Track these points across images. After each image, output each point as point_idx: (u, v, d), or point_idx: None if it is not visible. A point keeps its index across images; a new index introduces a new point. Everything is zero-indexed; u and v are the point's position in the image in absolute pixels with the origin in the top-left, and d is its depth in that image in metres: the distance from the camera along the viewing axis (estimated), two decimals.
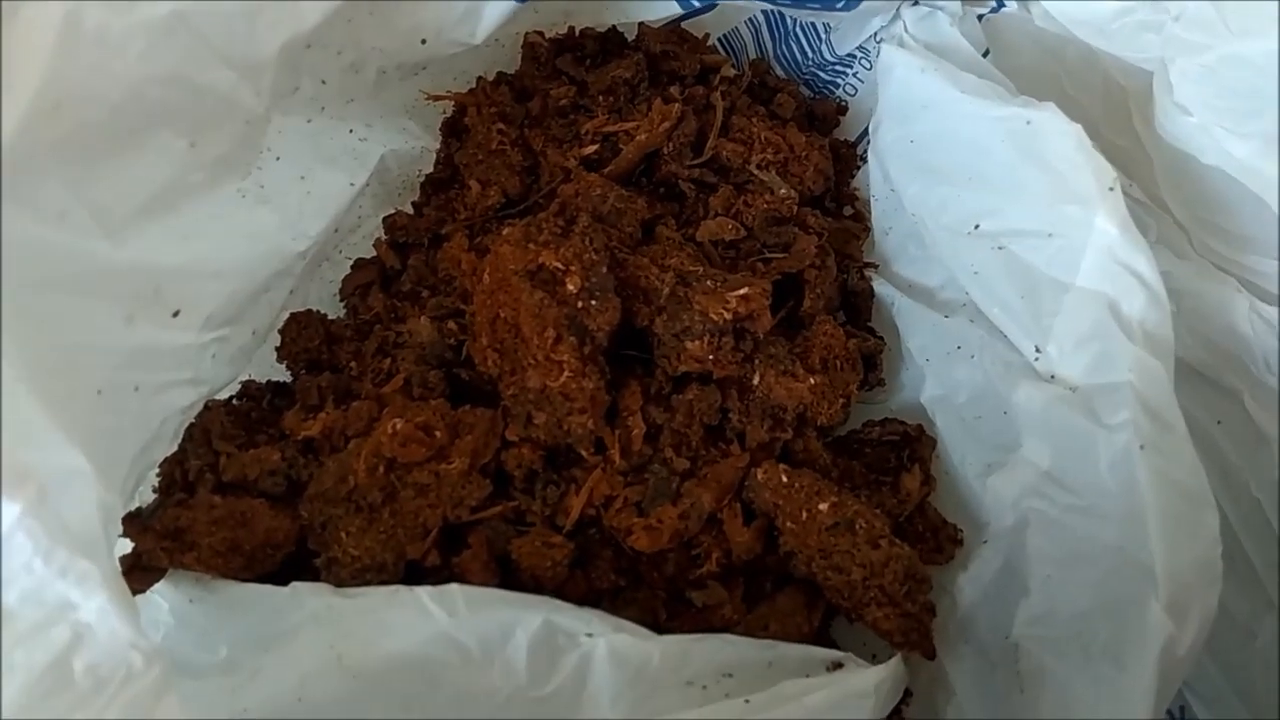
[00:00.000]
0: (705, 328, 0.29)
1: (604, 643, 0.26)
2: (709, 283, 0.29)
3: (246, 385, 0.33)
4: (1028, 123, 0.29)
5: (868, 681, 0.27)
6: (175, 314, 0.28)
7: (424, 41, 0.34)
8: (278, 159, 0.33)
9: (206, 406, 0.30)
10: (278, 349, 0.34)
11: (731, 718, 0.25)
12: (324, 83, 0.34)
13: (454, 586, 0.25)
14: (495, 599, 0.25)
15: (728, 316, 0.29)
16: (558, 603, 0.26)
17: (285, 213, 0.33)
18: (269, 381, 0.34)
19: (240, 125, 0.30)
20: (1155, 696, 0.24)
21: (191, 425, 0.30)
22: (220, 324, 0.30)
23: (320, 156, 0.35)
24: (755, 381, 0.30)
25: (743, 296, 0.29)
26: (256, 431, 0.31)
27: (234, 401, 0.32)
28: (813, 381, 0.30)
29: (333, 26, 0.30)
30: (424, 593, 0.25)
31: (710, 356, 0.29)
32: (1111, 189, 0.28)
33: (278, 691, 0.24)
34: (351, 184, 0.37)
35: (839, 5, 0.35)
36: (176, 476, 0.29)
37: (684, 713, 0.25)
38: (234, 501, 0.28)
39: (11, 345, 0.22)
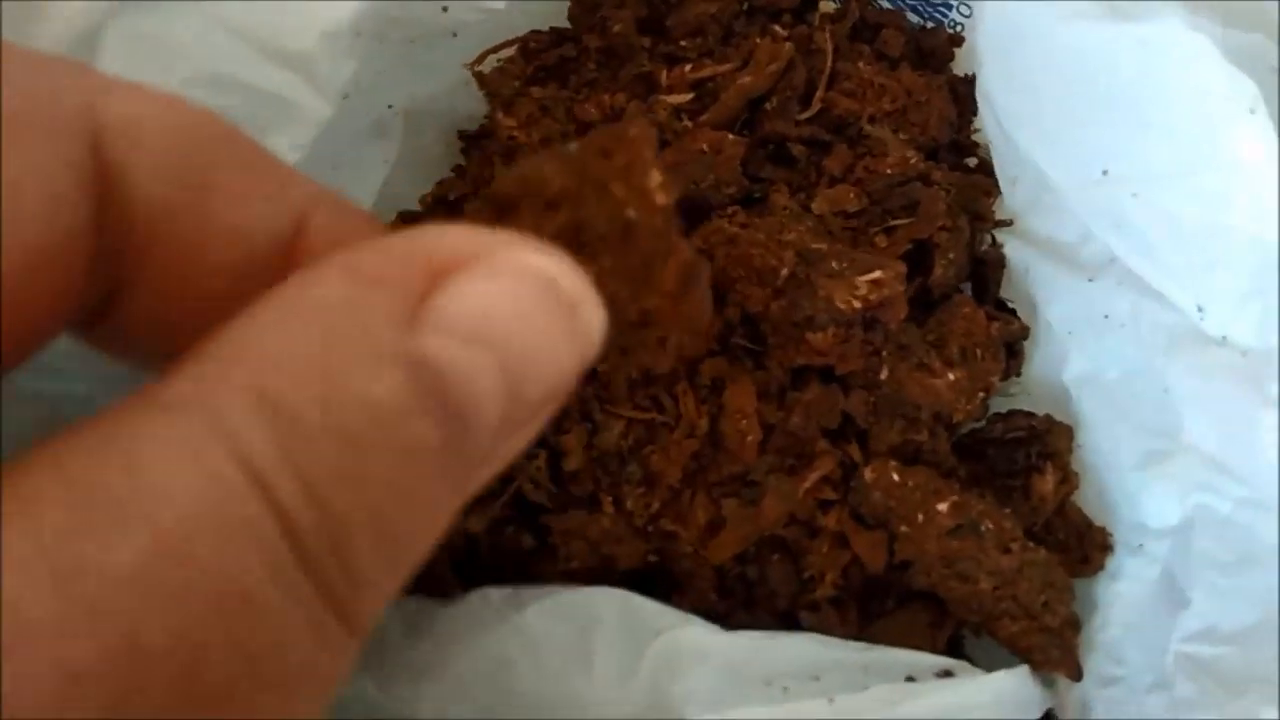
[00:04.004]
0: (831, 317, 0.30)
1: (673, 637, 0.27)
2: (834, 264, 0.30)
3: None
4: (1141, 42, 0.29)
5: (983, 692, 0.27)
6: None
7: (445, 9, 0.36)
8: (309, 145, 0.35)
9: None
10: None
11: (812, 718, 0.26)
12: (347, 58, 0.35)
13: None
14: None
15: (857, 305, 0.29)
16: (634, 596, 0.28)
17: None
18: None
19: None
20: None
21: None
22: None
23: (353, 139, 0.36)
24: (883, 376, 0.31)
25: (875, 281, 0.29)
26: None
27: None
28: (952, 378, 0.31)
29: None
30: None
31: (836, 350, 0.30)
32: (1253, 111, 0.27)
33: None
34: (385, 160, 0.38)
35: None
36: None
37: (758, 711, 0.26)
38: None
39: None
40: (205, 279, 0.17)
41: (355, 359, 0.13)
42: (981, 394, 0.32)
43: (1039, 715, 0.30)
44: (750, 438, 0.31)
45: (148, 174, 0.16)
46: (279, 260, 0.18)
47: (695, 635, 0.28)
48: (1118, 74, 0.29)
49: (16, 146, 0.14)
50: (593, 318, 0.16)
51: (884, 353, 0.31)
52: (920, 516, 0.30)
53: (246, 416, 0.12)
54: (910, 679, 0.28)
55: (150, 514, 0.12)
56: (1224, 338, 0.29)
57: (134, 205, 0.16)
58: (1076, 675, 0.31)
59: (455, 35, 0.37)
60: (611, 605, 0.28)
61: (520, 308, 0.15)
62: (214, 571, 0.12)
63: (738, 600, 0.32)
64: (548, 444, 0.32)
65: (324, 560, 0.13)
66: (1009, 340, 0.34)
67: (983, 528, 0.30)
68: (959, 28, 0.40)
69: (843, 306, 0.29)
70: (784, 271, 0.31)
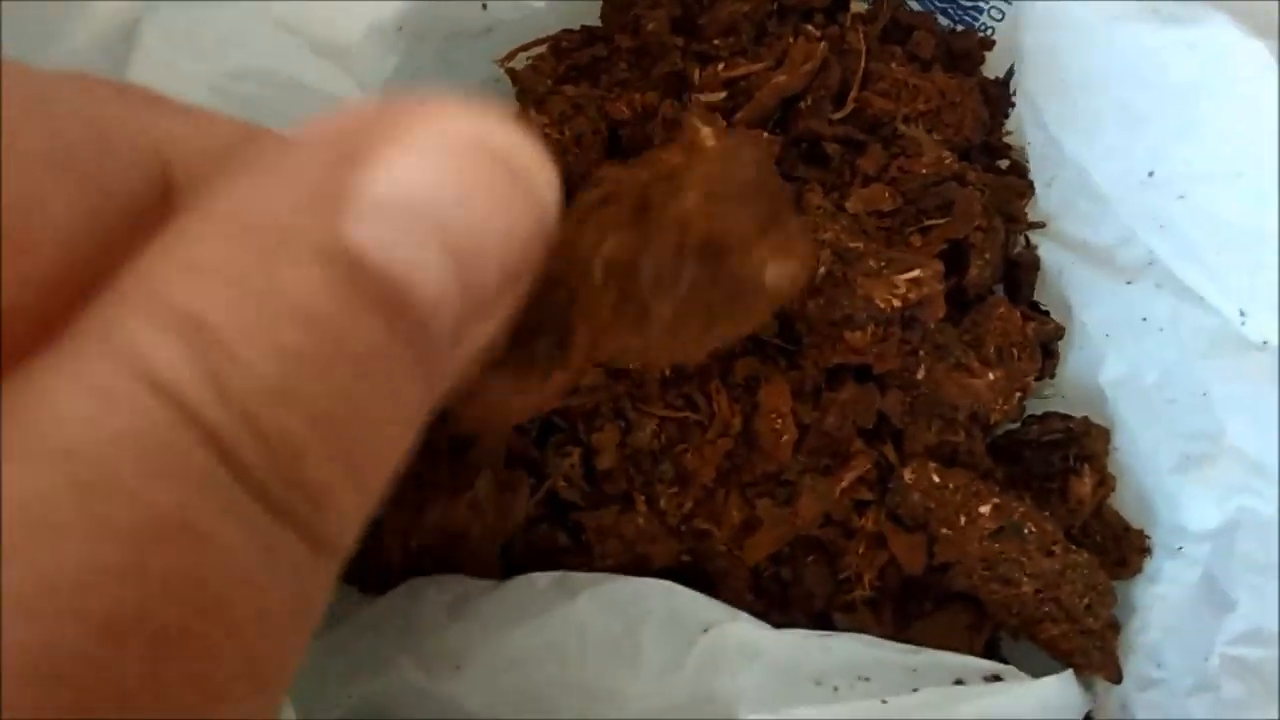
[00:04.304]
0: (869, 316, 0.30)
1: (721, 633, 0.28)
2: (871, 262, 0.30)
3: None
4: (1190, 46, 0.29)
5: (1029, 696, 0.28)
6: None
7: (484, 7, 0.36)
8: None
9: None
10: None
11: (866, 718, 0.26)
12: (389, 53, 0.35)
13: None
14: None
15: (896, 304, 0.29)
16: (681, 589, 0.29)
17: None
18: None
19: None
20: None
21: None
22: None
23: None
24: (920, 376, 0.31)
25: (914, 280, 0.30)
26: None
27: None
28: (991, 377, 0.31)
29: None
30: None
31: (873, 349, 0.30)
32: None
33: None
34: None
35: None
36: None
37: (811, 711, 0.26)
38: None
39: None
40: None
41: (275, 260, 0.12)
42: (1018, 394, 0.32)
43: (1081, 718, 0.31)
44: (785, 437, 0.31)
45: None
46: None
47: (744, 631, 0.28)
48: (1166, 76, 0.30)
49: (78, 179, 0.13)
50: (542, 179, 0.14)
51: (921, 352, 0.31)
52: (962, 519, 0.30)
53: (157, 337, 0.11)
54: (959, 682, 0.28)
55: (67, 450, 0.11)
56: (1265, 342, 0.30)
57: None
58: (1117, 678, 0.31)
59: (490, 31, 0.37)
60: (659, 597, 0.28)
61: (455, 177, 0.13)
62: (145, 505, 0.11)
63: (773, 601, 0.32)
64: (581, 442, 0.32)
65: (273, 482, 0.12)
66: (1044, 340, 0.35)
67: (1025, 530, 0.30)
68: (990, 31, 0.41)
69: (882, 305, 0.30)
70: (821, 270, 0.31)
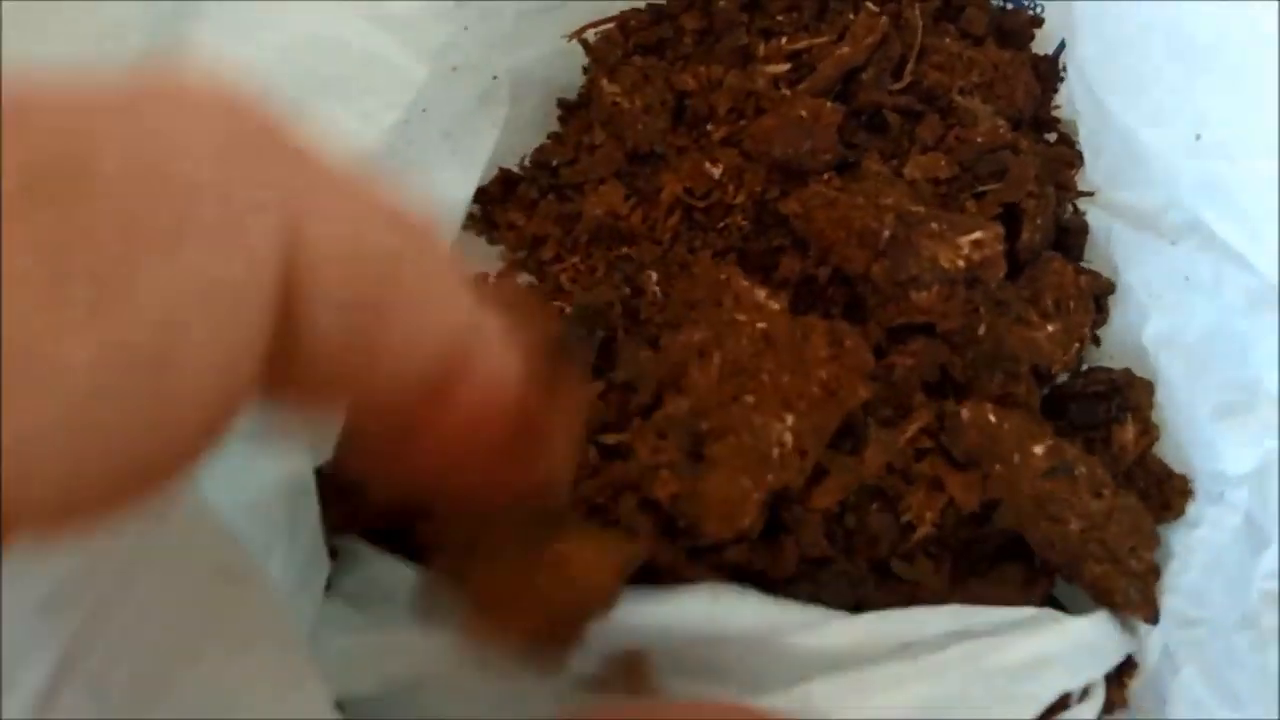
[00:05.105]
0: (935, 277, 0.32)
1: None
2: (934, 225, 0.32)
3: None
4: (1242, 11, 0.31)
5: (1064, 636, 0.29)
6: None
7: None
8: (424, 110, 0.37)
9: None
10: None
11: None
12: (465, 29, 0.37)
13: None
14: None
15: (961, 264, 0.32)
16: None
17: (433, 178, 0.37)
18: None
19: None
20: None
21: None
22: None
23: (462, 108, 0.39)
24: (981, 331, 0.33)
25: (976, 242, 0.32)
26: None
27: None
28: (1049, 329, 0.33)
29: None
30: None
31: (939, 308, 0.32)
32: None
33: None
34: (494, 125, 0.41)
35: None
36: None
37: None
38: None
39: None
40: (355, 382, 0.18)
41: None
42: (1076, 345, 0.34)
43: (1120, 659, 0.33)
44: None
45: (322, 303, 0.16)
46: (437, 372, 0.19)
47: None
48: (1214, 40, 0.32)
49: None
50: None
51: (981, 309, 0.33)
52: (1015, 457, 0.32)
53: None
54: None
55: None
56: None
57: (300, 329, 0.16)
58: (1154, 619, 0.33)
59: (562, 4, 0.39)
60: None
61: None
62: None
63: (839, 547, 0.34)
64: None
65: None
66: (1097, 294, 0.37)
67: (1077, 471, 0.32)
68: (1039, 9, 0.43)
69: (947, 266, 0.32)
70: (885, 234, 0.33)
